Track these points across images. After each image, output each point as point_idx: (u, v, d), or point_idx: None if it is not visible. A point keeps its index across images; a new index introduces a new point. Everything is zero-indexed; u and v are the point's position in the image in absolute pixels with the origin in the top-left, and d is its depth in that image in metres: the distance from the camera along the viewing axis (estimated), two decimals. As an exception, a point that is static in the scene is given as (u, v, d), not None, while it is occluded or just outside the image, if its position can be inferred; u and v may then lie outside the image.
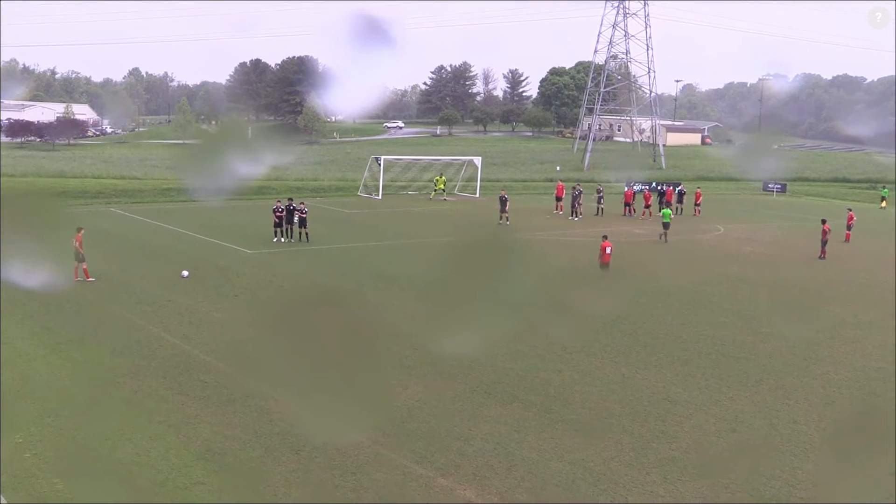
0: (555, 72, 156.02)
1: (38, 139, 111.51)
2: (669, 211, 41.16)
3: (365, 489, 12.64)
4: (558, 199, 49.95)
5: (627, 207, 49.86)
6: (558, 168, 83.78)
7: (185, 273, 27.19)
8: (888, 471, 10.85)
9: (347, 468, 13.25)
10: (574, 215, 47.48)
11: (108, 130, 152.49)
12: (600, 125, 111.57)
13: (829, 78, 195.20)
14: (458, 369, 18.21)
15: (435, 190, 56.18)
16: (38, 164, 71.72)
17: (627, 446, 14.70)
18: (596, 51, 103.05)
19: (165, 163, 78.87)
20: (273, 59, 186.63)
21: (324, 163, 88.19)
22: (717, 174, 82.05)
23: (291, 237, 35.58)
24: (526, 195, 60.19)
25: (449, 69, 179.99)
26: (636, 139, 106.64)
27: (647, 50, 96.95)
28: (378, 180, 55.95)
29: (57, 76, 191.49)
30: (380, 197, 54.99)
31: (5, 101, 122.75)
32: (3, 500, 11.68)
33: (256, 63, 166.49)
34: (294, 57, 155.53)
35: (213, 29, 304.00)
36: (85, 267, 25.90)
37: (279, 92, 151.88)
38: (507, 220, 43.13)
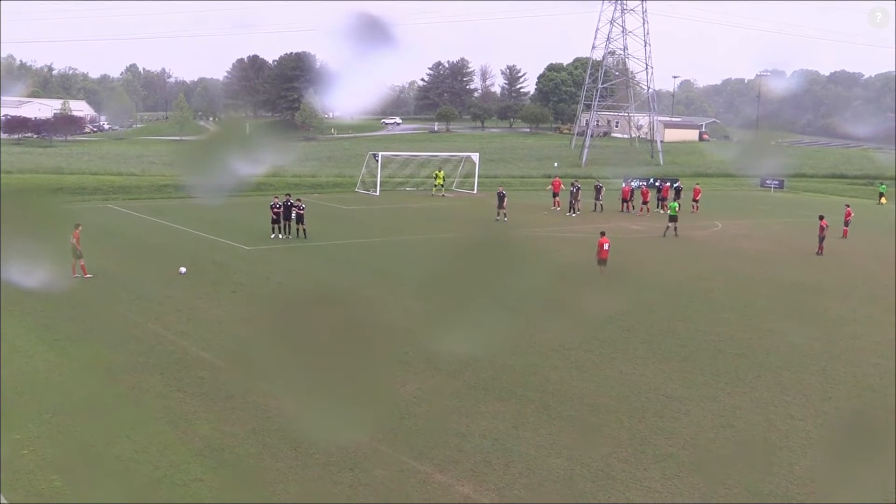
0: (552, 68, 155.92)
1: (36, 136, 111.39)
2: (676, 204, 41.35)
3: (363, 485, 12.65)
4: (555, 195, 49.99)
5: (625, 204, 49.88)
6: (556, 164, 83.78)
7: (183, 269, 27.16)
8: (887, 467, 10.86)
9: (345, 464, 13.26)
10: (572, 211, 47.53)
11: (106, 127, 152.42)
12: (598, 121, 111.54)
13: (827, 74, 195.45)
14: (456, 366, 18.22)
15: (434, 185, 56.17)
16: (36, 160, 71.63)
17: (625, 442, 14.71)
18: (594, 47, 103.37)
19: (163, 159, 78.84)
20: (271, 55, 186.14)
21: (321, 159, 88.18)
22: (714, 170, 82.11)
23: (289, 233, 35.56)
24: (524, 191, 60.18)
25: (447, 65, 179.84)
26: (634, 135, 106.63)
27: (645, 46, 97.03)
28: (376, 176, 55.93)
29: (54, 72, 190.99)
30: (377, 193, 54.97)
31: (4, 98, 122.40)
32: (3, 500, 11.68)
33: (254, 59, 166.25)
34: (292, 53, 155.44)
35: (210, 25, 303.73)
36: (83, 263, 25.87)
37: (277, 88, 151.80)
38: (505, 217, 43.13)
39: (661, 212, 49.74)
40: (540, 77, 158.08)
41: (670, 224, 39.71)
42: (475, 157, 61.67)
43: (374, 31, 11.91)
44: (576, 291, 27.21)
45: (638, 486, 12.99)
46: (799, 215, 50.54)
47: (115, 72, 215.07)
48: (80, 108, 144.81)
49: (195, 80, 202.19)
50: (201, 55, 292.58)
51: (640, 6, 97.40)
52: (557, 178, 54.08)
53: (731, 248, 37.43)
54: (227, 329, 21.31)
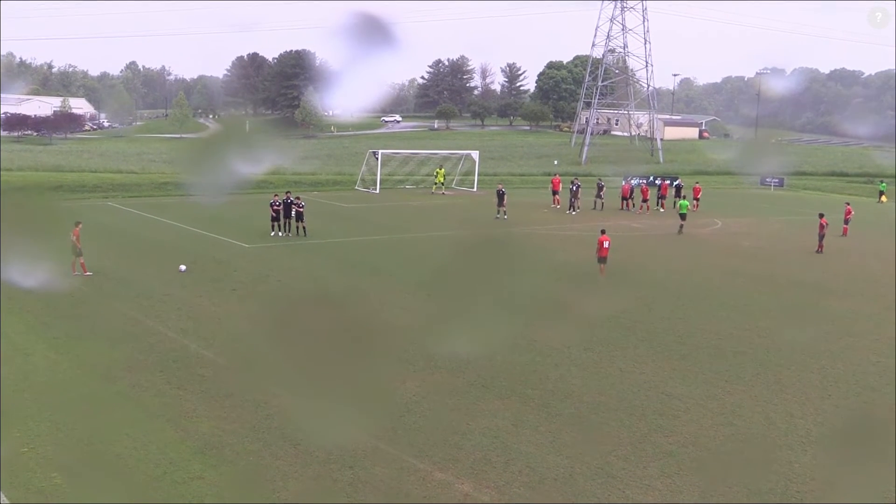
0: (552, 66, 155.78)
1: (35, 133, 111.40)
2: (686, 202, 41.51)
3: (363, 483, 12.65)
4: (555, 193, 49.99)
5: (625, 202, 49.88)
6: (556, 162, 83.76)
7: (183, 267, 27.17)
8: (887, 465, 10.87)
9: (345, 462, 13.26)
10: (572, 209, 47.53)
11: (106, 124, 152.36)
12: (598, 119, 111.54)
13: (827, 72, 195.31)
14: (456, 364, 18.20)
15: (435, 183, 56.16)
16: (36, 158, 71.59)
17: (625, 440, 14.72)
18: (594, 45, 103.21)
19: (162, 157, 78.85)
20: (270, 53, 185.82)
21: (321, 157, 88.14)
22: (714, 168, 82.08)
23: (289, 231, 35.57)
24: (524, 189, 60.18)
25: (446, 63, 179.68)
26: (634, 133, 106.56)
27: (645, 44, 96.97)
28: (375, 174, 55.93)
29: (54, 70, 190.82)
30: (377, 191, 54.97)
31: (4, 96, 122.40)
32: (4, 498, 11.68)
33: (254, 57, 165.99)
34: (291, 51, 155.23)
35: (210, 23, 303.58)
36: (83, 261, 25.87)
37: (276, 86, 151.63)
38: (505, 215, 43.13)
39: (661, 210, 49.80)
40: (540, 75, 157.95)
41: (682, 222, 40.27)
42: (475, 154, 61.66)
43: (373, 30, 11.90)
44: (576, 290, 27.26)
45: (638, 485, 13.00)
46: (799, 213, 50.53)
47: (115, 69, 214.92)
48: (79, 106, 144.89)
49: (195, 77, 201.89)
50: (201, 53, 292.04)
51: (640, 4, 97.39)
52: (557, 176, 54.09)
53: (731, 246, 37.43)
54: (228, 327, 21.33)
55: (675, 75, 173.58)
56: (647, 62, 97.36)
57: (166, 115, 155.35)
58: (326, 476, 12.89)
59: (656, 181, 57.78)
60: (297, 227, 35.48)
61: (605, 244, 28.14)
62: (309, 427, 14.27)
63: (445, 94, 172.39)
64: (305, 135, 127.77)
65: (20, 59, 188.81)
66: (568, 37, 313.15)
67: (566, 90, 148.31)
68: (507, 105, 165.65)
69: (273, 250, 32.42)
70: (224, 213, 39.37)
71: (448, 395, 16.74)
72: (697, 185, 52.49)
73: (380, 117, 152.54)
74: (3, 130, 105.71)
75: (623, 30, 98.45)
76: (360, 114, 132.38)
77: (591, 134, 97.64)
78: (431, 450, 13.99)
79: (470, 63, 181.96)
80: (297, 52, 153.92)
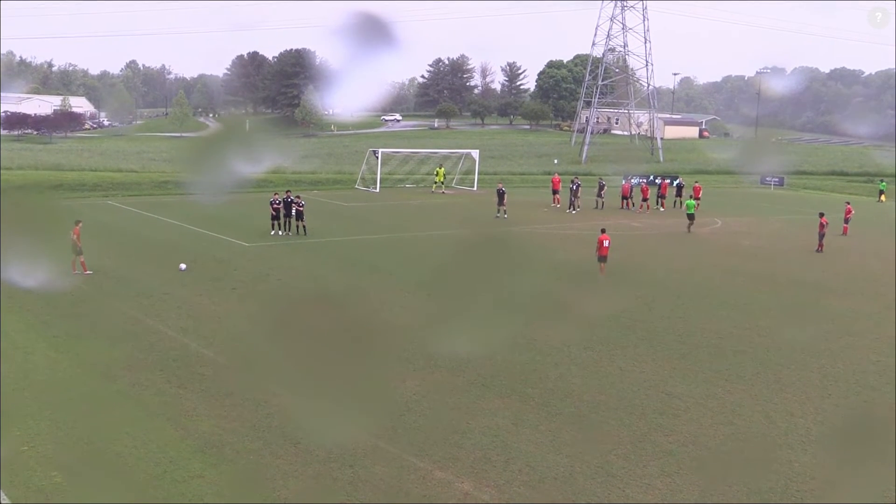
0: (552, 65, 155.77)
1: (36, 132, 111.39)
2: (694, 202, 41.57)
3: (363, 482, 12.65)
4: (555, 192, 49.98)
5: (625, 201, 49.87)
6: (556, 161, 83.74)
7: (183, 266, 27.16)
8: (886, 465, 10.88)
9: (345, 461, 13.26)
10: (572, 208, 47.52)
11: (106, 123, 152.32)
12: (598, 118, 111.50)
13: (827, 71, 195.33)
14: (456, 362, 18.20)
15: (435, 182, 56.14)
16: (36, 157, 71.57)
17: (625, 439, 14.72)
18: (594, 44, 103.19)
19: (163, 156, 78.81)
20: (271, 52, 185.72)
21: (321, 156, 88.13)
22: (714, 167, 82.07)
23: (289, 230, 35.57)
24: (524, 188, 60.17)
25: (447, 62, 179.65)
26: (634, 132, 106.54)
27: (645, 43, 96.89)
28: (375, 173, 55.92)
29: (54, 69, 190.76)
30: (377, 190, 54.96)
31: (4, 95, 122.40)
32: (4, 498, 11.68)
33: (254, 56, 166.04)
34: (291, 50, 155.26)
35: (210, 22, 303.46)
36: (83, 260, 25.87)
37: (277, 85, 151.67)
38: (505, 214, 43.12)
39: (661, 209, 49.81)
40: (540, 74, 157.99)
41: (690, 222, 40.57)
42: (475, 153, 61.64)
43: (373, 29, 11.90)
44: (576, 289, 27.27)
45: (638, 483, 13.00)
46: (799, 212, 50.53)
47: (115, 68, 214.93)
48: (79, 105, 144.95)
49: (195, 76, 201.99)
50: (201, 52, 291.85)
51: (641, 3, 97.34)
52: (557, 176, 54.08)
53: (731, 245, 37.43)
54: (228, 326, 21.33)
55: (675, 74, 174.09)
56: (647, 61, 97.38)
57: (166, 114, 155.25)
58: (326, 475, 12.90)
59: (656, 180, 57.76)
60: (298, 226, 35.49)
61: (605, 243, 28.14)
62: (309, 426, 14.27)
63: (445, 93, 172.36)
64: (305, 134, 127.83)
65: (20, 57, 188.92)
66: (568, 36, 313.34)
67: (566, 89, 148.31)
68: (507, 104, 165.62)
69: (273, 249, 32.42)
70: (224, 212, 39.36)
71: (448, 393, 16.74)
72: (698, 185, 52.44)
73: (380, 116, 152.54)
74: (3, 129, 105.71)
75: (623, 29, 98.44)
76: (361, 113, 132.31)
77: (592, 133, 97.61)
78: (431, 448, 13.99)
79: (470, 62, 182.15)
80: (297, 50, 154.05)
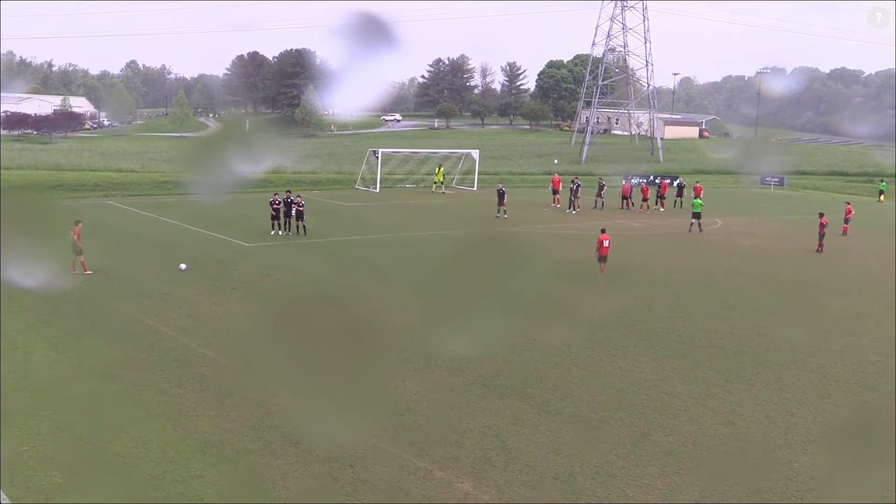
0: (552, 65, 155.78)
1: (36, 132, 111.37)
2: (700, 201, 41.63)
3: (363, 482, 12.65)
4: (555, 192, 49.99)
5: (625, 201, 49.87)
6: (556, 161, 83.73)
7: (183, 266, 27.16)
8: (886, 465, 10.87)
9: (345, 461, 13.26)
10: (572, 208, 47.52)
11: (106, 123, 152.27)
12: (598, 118, 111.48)
13: (827, 71, 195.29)
14: (456, 362, 18.20)
15: (435, 182, 56.14)
16: (36, 157, 71.56)
17: (625, 440, 14.72)
18: (594, 44, 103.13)
19: (163, 156, 78.78)
20: (271, 52, 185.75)
21: (321, 156, 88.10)
22: (714, 167, 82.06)
23: (289, 230, 35.58)
24: (524, 188, 60.17)
25: (447, 62, 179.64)
26: (634, 132, 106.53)
27: (645, 43, 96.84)
28: (375, 173, 55.92)
29: (54, 69, 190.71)
30: (377, 190, 54.96)
31: (4, 94, 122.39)
32: (4, 498, 11.68)
33: (254, 56, 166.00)
34: (292, 50, 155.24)
35: (210, 22, 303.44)
36: (83, 260, 25.87)
37: (277, 85, 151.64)
38: (505, 214, 43.12)
39: (661, 209, 49.82)
40: (540, 74, 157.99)
41: (693, 220, 40.69)
42: (475, 153, 61.64)
43: (373, 29, 11.90)
44: (576, 289, 27.27)
45: (637, 484, 13.00)
46: (799, 212, 50.53)
47: (115, 68, 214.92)
48: (79, 105, 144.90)
49: (195, 76, 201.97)
50: (201, 52, 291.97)
51: (641, 3, 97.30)
52: (557, 176, 54.08)
53: (731, 246, 37.43)
54: (228, 325, 21.34)
55: (675, 74, 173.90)
56: (647, 61, 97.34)
57: (166, 114, 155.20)
58: (326, 475, 12.90)
59: (656, 180, 57.75)
60: (298, 226, 35.50)
61: (605, 243, 28.14)
62: (309, 426, 14.27)
63: (445, 93, 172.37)
64: (305, 134, 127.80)
65: (20, 57, 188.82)
66: (568, 36, 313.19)
67: (566, 89, 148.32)
68: (507, 104, 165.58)
69: (273, 249, 32.43)
70: (224, 212, 39.37)
71: (448, 393, 16.75)
72: (698, 185, 52.42)
73: (380, 116, 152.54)
74: (4, 129, 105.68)
75: (623, 29, 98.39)
76: (361, 112, 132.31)
77: (592, 133, 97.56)
78: (431, 448, 13.99)
79: (470, 62, 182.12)
80: (297, 50, 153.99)
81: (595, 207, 48.22)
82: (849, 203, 43.21)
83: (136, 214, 41.48)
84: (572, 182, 48.61)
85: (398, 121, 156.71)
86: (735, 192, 65.02)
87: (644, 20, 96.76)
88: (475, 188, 58.33)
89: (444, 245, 33.77)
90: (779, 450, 14.56)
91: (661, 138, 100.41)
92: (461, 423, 15.13)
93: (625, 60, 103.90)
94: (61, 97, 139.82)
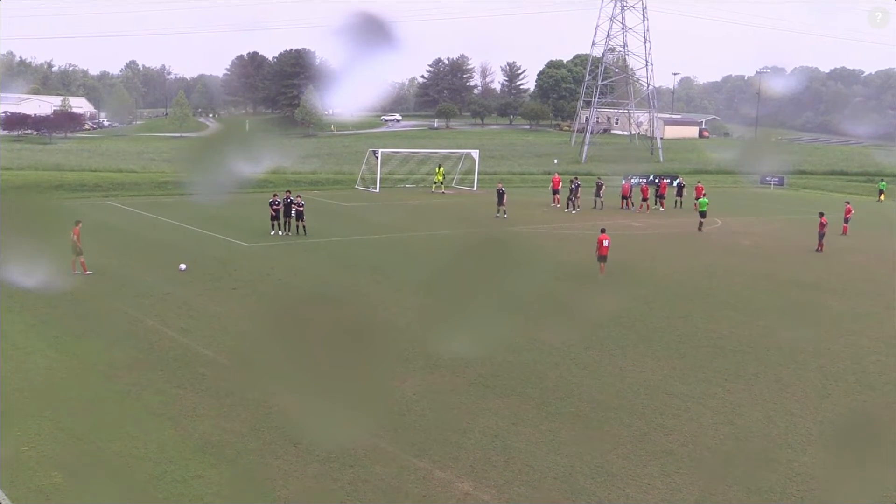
0: (552, 65, 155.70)
1: (35, 132, 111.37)
2: (706, 200, 42.00)
3: (363, 482, 12.66)
4: (555, 192, 49.98)
5: (625, 201, 49.87)
6: (556, 161, 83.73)
7: (183, 266, 27.16)
8: (886, 465, 10.86)
9: (345, 461, 13.27)
10: (571, 208, 47.52)
11: (106, 123, 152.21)
12: (598, 118, 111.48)
13: (827, 71, 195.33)
14: (456, 362, 18.21)
15: (435, 182, 56.14)
16: (36, 157, 71.57)
17: (625, 439, 14.73)
18: (594, 44, 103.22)
19: (162, 156, 78.82)
20: (270, 52, 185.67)
21: (321, 156, 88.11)
22: (714, 167, 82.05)
23: (289, 230, 35.58)
24: (523, 188, 60.17)
25: (446, 62, 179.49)
26: (634, 132, 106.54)
27: (645, 43, 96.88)
28: (375, 173, 55.91)
29: (54, 69, 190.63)
30: (377, 190, 54.96)
31: (4, 95, 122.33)
32: (4, 498, 11.68)
33: (254, 56, 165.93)
34: (291, 50, 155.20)
35: (210, 22, 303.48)
36: (83, 260, 25.87)
37: (276, 85, 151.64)
38: (505, 214, 43.13)
39: (661, 209, 49.81)
40: (540, 74, 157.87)
41: (702, 219, 40.92)
42: (475, 153, 61.64)
43: (373, 29, 11.89)
44: (576, 289, 27.27)
45: (637, 483, 13.01)
46: (799, 212, 50.53)
47: (115, 68, 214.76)
48: (79, 105, 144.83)
49: (195, 76, 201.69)
50: (201, 52, 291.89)
51: (640, 3, 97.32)
52: (557, 175, 54.08)
53: (730, 245, 37.44)
54: (228, 325, 21.34)
55: (675, 74, 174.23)
56: (647, 61, 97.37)
57: (166, 115, 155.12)
58: (326, 475, 12.90)
59: (656, 180, 57.74)
60: (297, 227, 35.50)
61: (605, 243, 28.14)
62: (309, 426, 14.27)
63: (445, 93, 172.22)
64: (305, 134, 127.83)
65: (20, 58, 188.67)
66: (568, 36, 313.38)
67: (566, 89, 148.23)
68: (507, 104, 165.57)
69: (273, 249, 32.43)
70: (224, 213, 39.35)
71: (448, 393, 16.75)
72: (699, 185, 52.39)
73: (380, 116, 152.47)
74: (3, 129, 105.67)
75: (623, 29, 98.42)
76: (360, 113, 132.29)
77: (591, 133, 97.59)
78: (431, 449, 14.00)
79: (470, 62, 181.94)
80: (296, 51, 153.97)
81: (595, 207, 48.21)
82: (849, 203, 43.23)
83: (136, 215, 41.48)
84: (572, 182, 48.61)
85: (398, 121, 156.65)
86: (735, 192, 65.01)
87: (644, 20, 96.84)
88: (475, 188, 58.33)
89: (444, 245, 33.78)
90: (779, 449, 14.57)
91: (661, 138, 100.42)
92: (461, 423, 15.14)
93: (624, 60, 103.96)
94: (61, 97, 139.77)
